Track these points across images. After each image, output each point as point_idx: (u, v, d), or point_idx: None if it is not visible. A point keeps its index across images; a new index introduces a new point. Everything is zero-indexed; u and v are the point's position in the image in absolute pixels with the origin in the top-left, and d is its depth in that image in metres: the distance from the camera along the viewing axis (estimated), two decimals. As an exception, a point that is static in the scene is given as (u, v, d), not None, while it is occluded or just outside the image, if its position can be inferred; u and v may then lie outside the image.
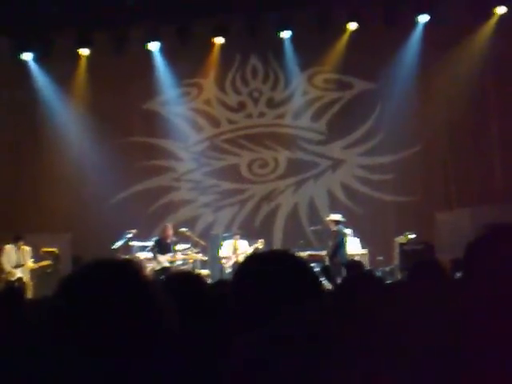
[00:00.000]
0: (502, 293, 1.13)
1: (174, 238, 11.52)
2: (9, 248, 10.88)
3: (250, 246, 11.62)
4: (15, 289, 4.92)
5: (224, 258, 11.66)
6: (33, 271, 10.91)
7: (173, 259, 11.21)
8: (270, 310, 1.59)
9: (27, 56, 13.69)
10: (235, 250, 11.57)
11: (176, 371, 1.38)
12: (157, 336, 1.34)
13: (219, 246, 11.88)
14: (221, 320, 2.23)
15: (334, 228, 10.94)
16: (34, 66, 13.78)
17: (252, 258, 1.85)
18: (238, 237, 11.82)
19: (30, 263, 10.96)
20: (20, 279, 10.57)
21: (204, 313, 2.71)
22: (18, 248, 10.91)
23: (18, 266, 10.84)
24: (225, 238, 12.01)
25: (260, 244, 11.52)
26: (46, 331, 1.36)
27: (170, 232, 11.44)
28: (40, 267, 10.95)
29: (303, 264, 1.77)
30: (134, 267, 1.45)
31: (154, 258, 11.10)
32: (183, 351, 1.49)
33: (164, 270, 10.57)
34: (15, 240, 10.92)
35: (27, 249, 10.98)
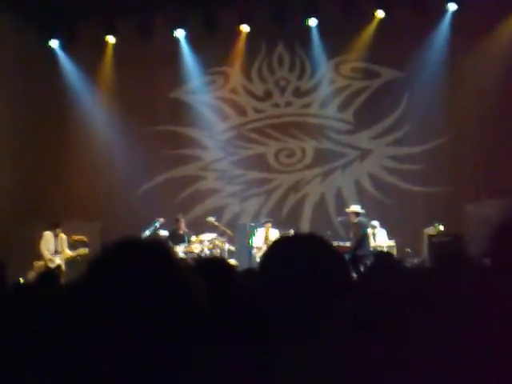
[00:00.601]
0: None
1: (187, 230, 11.55)
2: (48, 235, 10.96)
3: (280, 235, 11.58)
4: (52, 272, 4.94)
5: (256, 247, 11.64)
6: (67, 259, 10.99)
7: (188, 249, 11.24)
8: (298, 291, 1.57)
9: (54, 43, 13.75)
10: (266, 240, 11.53)
11: (210, 357, 1.35)
12: (189, 320, 1.30)
13: (252, 234, 11.84)
14: (249, 305, 2.21)
15: (354, 220, 10.89)
16: (60, 54, 13.85)
17: (279, 241, 1.82)
18: (269, 225, 11.77)
19: (68, 251, 11.03)
20: (59, 266, 10.70)
21: (232, 299, 2.69)
22: (56, 235, 10.99)
23: (56, 253, 10.92)
24: (252, 228, 11.98)
25: (291, 233, 11.48)
26: (73, 316, 1.32)
27: (182, 224, 11.50)
28: (77, 255, 11.00)
29: (331, 246, 1.75)
30: (165, 247, 1.40)
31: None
32: (215, 336, 1.45)
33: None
34: (53, 227, 11.00)
35: (64, 236, 11.07)
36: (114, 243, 1.39)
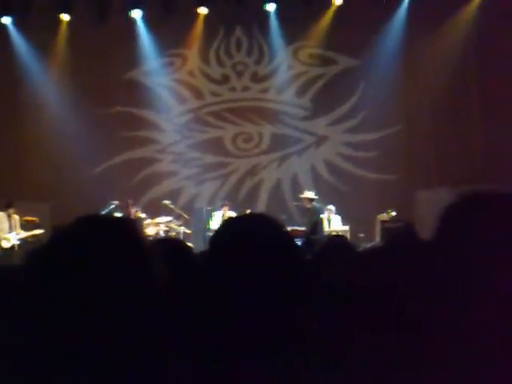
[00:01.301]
0: (474, 259, 1.15)
1: (139, 214, 11.43)
2: (0, 215, 10.70)
3: None
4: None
5: (214, 230, 11.60)
6: (21, 240, 10.75)
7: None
8: (248, 271, 1.55)
9: (6, 20, 13.33)
10: (223, 222, 11.51)
11: (169, 337, 1.34)
12: (151, 299, 1.30)
13: (210, 217, 11.82)
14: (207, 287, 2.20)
15: (308, 205, 10.95)
16: (12, 31, 13.43)
17: (229, 220, 1.80)
18: (226, 208, 11.77)
19: (22, 232, 10.79)
20: (13, 247, 10.47)
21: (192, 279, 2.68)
22: (9, 215, 10.73)
23: (10, 234, 10.67)
24: (209, 211, 11.97)
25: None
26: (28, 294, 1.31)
27: (132, 209, 11.41)
28: (32, 236, 10.77)
29: (280, 225, 1.72)
30: (132, 224, 1.39)
31: None
32: (175, 314, 1.45)
33: None
34: (6, 207, 10.73)
35: (17, 217, 10.82)
36: (77, 218, 1.37)
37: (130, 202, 11.50)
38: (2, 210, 10.74)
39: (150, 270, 1.32)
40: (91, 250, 1.28)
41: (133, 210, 11.40)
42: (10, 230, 10.71)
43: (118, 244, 1.31)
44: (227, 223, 1.75)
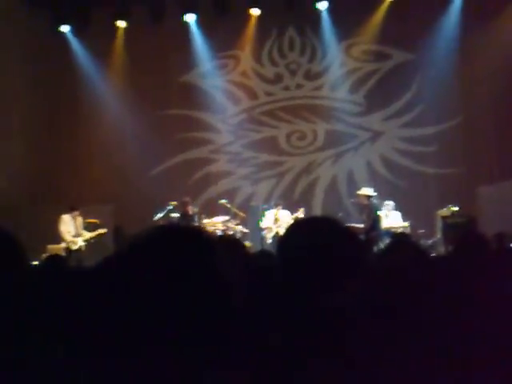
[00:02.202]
0: None
1: (196, 209, 11.56)
2: (66, 218, 11.05)
3: (291, 216, 11.56)
4: (57, 258, 4.95)
5: (266, 228, 11.64)
6: (87, 241, 11.09)
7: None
8: (319, 279, 1.56)
9: (65, 28, 13.76)
10: (276, 221, 11.52)
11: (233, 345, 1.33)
12: (223, 313, 1.30)
13: (261, 216, 11.85)
14: (265, 291, 2.19)
15: (365, 202, 10.80)
16: (71, 39, 13.85)
17: (296, 224, 1.81)
18: (280, 207, 11.76)
19: (87, 233, 11.13)
20: (80, 248, 10.82)
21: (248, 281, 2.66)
22: (74, 218, 11.08)
23: (76, 236, 11.02)
24: (264, 210, 11.99)
25: (300, 213, 11.47)
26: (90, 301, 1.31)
27: (189, 206, 11.50)
28: (97, 236, 11.10)
29: (347, 230, 1.75)
30: (207, 235, 1.40)
31: None
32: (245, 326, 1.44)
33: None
34: (71, 210, 11.10)
35: (80, 219, 11.16)
36: (154, 228, 1.41)
37: (187, 199, 11.63)
38: (67, 213, 11.10)
39: (224, 280, 1.33)
40: (168, 261, 1.30)
41: (190, 208, 11.52)
42: (75, 231, 11.04)
43: (194, 255, 1.32)
44: (293, 227, 1.76)
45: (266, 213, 11.85)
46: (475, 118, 12.61)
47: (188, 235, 1.37)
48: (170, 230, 1.40)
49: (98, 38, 13.52)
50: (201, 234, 1.38)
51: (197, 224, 11.31)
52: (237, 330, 1.32)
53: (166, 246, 1.32)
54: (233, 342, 1.28)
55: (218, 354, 1.25)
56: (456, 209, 11.08)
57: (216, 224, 11.56)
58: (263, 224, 11.72)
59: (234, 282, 1.35)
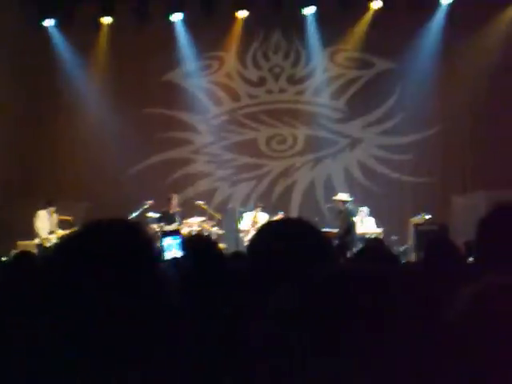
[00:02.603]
0: None
1: (178, 209, 11.53)
2: (42, 214, 10.97)
3: (269, 219, 11.59)
4: (28, 253, 4.97)
5: (243, 230, 11.67)
6: (60, 239, 11.01)
7: (178, 228, 11.26)
8: (283, 274, 1.53)
9: (49, 22, 13.71)
10: (254, 223, 11.55)
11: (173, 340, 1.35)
12: (157, 306, 1.31)
13: (240, 218, 11.88)
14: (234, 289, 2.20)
15: (341, 207, 10.91)
16: (55, 33, 13.81)
17: (268, 225, 1.82)
18: (259, 209, 11.80)
19: (60, 231, 11.04)
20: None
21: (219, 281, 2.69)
22: (50, 214, 11.01)
23: (51, 233, 10.94)
24: (242, 213, 12.04)
25: (279, 217, 11.50)
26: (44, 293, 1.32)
27: (174, 202, 11.43)
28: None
29: (318, 231, 1.77)
30: (138, 227, 1.39)
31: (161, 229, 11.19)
32: (182, 324, 1.48)
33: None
34: (47, 205, 11.00)
35: (56, 216, 11.10)
36: (90, 222, 1.41)
37: (173, 195, 11.58)
38: (44, 209, 11.01)
39: (157, 272, 1.33)
40: (98, 254, 1.30)
41: (174, 204, 11.47)
42: (51, 227, 10.95)
43: (124, 247, 1.33)
44: (264, 228, 1.78)
45: (245, 215, 11.89)
46: (452, 129, 12.73)
47: (123, 230, 1.37)
48: (106, 226, 1.40)
49: (82, 34, 13.47)
50: (137, 229, 1.39)
51: (178, 223, 11.33)
52: (171, 327, 1.34)
53: (99, 241, 1.33)
54: (163, 341, 1.30)
55: (145, 354, 1.26)
56: (428, 217, 11.20)
57: (192, 225, 11.58)
58: (241, 226, 11.75)
59: (170, 279, 1.36)
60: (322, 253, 1.67)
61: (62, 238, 1.40)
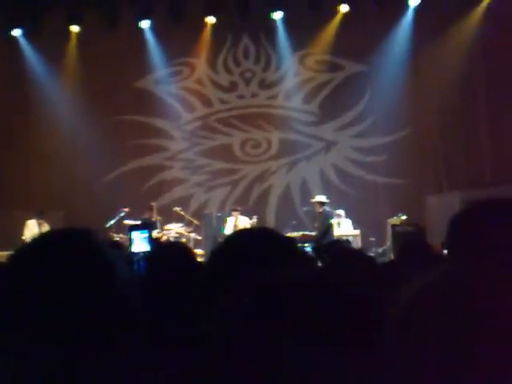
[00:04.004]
0: (486, 271, 1.10)
1: (159, 217, 11.53)
2: (31, 224, 10.86)
3: (248, 223, 11.60)
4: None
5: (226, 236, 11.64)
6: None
7: (159, 235, 11.24)
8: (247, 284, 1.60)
9: (17, 32, 13.50)
10: (235, 228, 11.55)
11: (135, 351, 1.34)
12: (114, 313, 1.30)
13: (222, 223, 11.87)
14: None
15: (319, 210, 10.98)
16: (23, 43, 13.60)
17: (231, 236, 1.85)
18: (237, 213, 11.82)
19: None
20: None
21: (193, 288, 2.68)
22: (39, 224, 10.89)
23: None
24: (219, 218, 12.02)
25: (253, 221, 11.55)
26: None
27: (154, 211, 11.50)
28: None
29: (283, 239, 1.79)
30: (90, 236, 1.38)
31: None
32: (144, 330, 1.48)
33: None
34: (38, 216, 10.90)
35: (47, 225, 10.96)
36: (43, 234, 1.42)
37: (153, 204, 11.57)
38: (34, 218, 10.92)
39: (111, 279, 1.32)
40: (50, 263, 1.30)
41: (155, 212, 11.47)
42: None
43: (75, 256, 1.32)
44: (228, 239, 1.80)
45: (227, 219, 11.89)
46: (423, 130, 12.96)
47: (75, 238, 1.37)
48: (57, 234, 1.40)
49: (51, 43, 13.30)
50: (89, 236, 1.38)
51: (159, 230, 11.31)
52: (131, 330, 1.33)
53: (51, 250, 1.33)
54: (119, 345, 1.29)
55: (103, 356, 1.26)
56: (405, 217, 11.36)
57: (169, 231, 11.53)
58: (225, 231, 11.73)
59: (126, 285, 1.36)
60: (280, 260, 1.67)
61: (15, 251, 1.38)
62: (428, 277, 1.01)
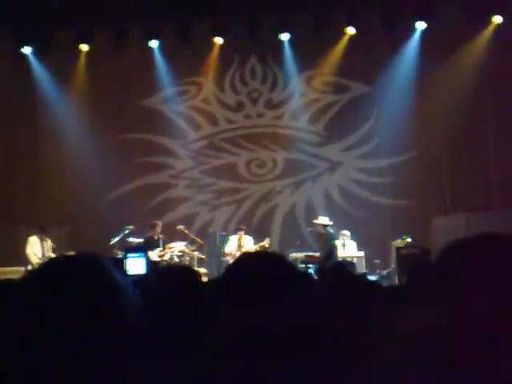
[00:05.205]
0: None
1: (162, 236, 11.54)
2: (33, 240, 10.86)
3: (254, 244, 11.56)
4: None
5: (228, 254, 11.62)
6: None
7: (162, 254, 11.24)
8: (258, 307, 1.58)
9: (27, 50, 13.65)
10: (240, 247, 11.52)
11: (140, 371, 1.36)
12: (119, 335, 1.31)
13: (225, 241, 11.86)
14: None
15: (322, 231, 10.90)
16: (33, 60, 13.75)
17: (242, 259, 1.85)
18: (242, 232, 11.79)
19: (53, 255, 10.89)
20: None
21: (197, 308, 2.67)
22: (42, 240, 10.89)
23: (43, 259, 10.77)
24: (223, 237, 12.01)
25: (266, 243, 11.50)
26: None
27: (157, 229, 11.51)
28: None
29: (292, 267, 1.80)
30: (96, 261, 1.41)
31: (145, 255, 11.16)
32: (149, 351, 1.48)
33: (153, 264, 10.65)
34: (40, 231, 10.91)
35: (49, 241, 10.97)
36: (51, 259, 1.45)
37: (156, 222, 11.57)
38: (36, 234, 10.92)
39: (120, 305, 1.34)
40: (61, 289, 1.32)
41: (158, 230, 11.48)
42: (43, 254, 10.82)
43: (86, 282, 1.35)
44: (238, 262, 1.81)
45: (230, 238, 11.87)
46: (430, 152, 12.93)
47: (80, 263, 1.39)
48: (63, 260, 1.42)
49: (60, 61, 13.46)
50: (94, 260, 1.40)
51: (161, 249, 11.32)
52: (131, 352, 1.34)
53: (57, 276, 1.35)
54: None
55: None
56: (410, 240, 11.29)
57: (172, 249, 11.52)
58: (227, 249, 11.71)
59: (129, 307, 1.37)
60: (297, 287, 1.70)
61: (27, 273, 1.42)
62: (417, 321, 1.00)
